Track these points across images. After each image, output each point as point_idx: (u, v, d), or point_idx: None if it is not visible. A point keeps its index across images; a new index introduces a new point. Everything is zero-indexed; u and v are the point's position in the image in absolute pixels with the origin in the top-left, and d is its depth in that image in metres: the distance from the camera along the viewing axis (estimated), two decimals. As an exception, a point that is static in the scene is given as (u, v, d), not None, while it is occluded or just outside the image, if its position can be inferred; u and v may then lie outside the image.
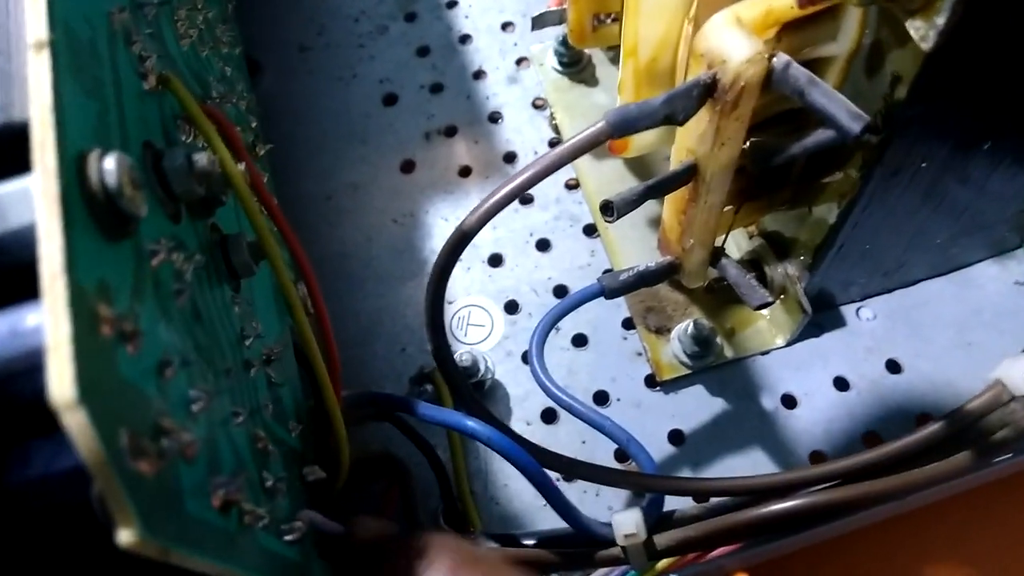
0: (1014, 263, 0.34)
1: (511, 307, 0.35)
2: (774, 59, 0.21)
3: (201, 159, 0.18)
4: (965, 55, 0.20)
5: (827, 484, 0.23)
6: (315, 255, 0.37)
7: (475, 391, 0.32)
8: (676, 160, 0.25)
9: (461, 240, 0.23)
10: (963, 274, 0.34)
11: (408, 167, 0.39)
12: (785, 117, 0.25)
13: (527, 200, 0.38)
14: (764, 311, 0.33)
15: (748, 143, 0.24)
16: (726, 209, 0.28)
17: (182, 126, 0.21)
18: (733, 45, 0.20)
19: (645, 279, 0.29)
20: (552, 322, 0.28)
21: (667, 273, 0.29)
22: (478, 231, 0.23)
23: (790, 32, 0.22)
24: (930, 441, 0.23)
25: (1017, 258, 0.34)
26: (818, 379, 0.33)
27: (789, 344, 0.33)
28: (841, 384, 0.33)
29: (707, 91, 0.21)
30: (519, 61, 0.41)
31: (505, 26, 0.42)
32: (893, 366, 0.33)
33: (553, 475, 0.28)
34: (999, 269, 0.34)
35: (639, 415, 0.33)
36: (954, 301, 0.34)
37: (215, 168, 0.18)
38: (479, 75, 0.41)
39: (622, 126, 0.21)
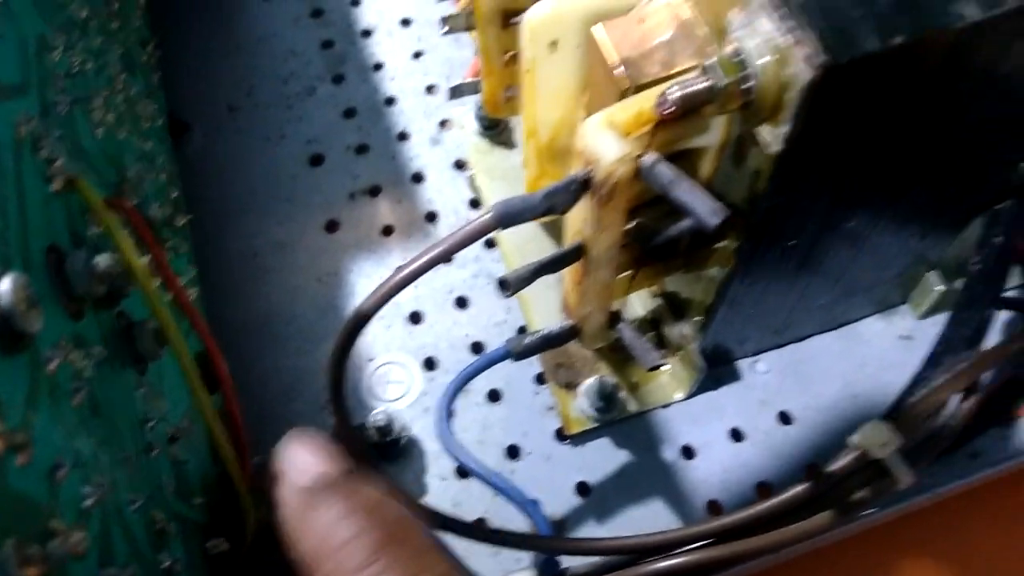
0: (898, 318, 0.37)
1: (429, 364, 0.37)
2: (643, 158, 0.23)
3: (102, 261, 0.19)
4: (811, 156, 0.22)
5: (704, 542, 0.25)
6: (239, 314, 0.38)
7: (390, 450, 0.33)
8: (567, 239, 0.27)
9: (358, 323, 0.24)
10: (851, 329, 0.37)
11: (333, 227, 0.40)
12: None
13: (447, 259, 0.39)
14: (666, 366, 0.35)
15: (631, 224, 0.26)
16: (622, 275, 0.30)
17: (91, 217, 0.22)
18: (605, 146, 0.22)
19: (549, 342, 0.31)
20: (459, 386, 0.30)
21: (569, 336, 0.31)
22: (375, 314, 0.24)
23: (663, 128, 0.24)
24: (795, 502, 0.25)
25: (901, 313, 0.37)
26: (715, 431, 0.35)
27: (688, 397, 0.35)
28: (736, 435, 0.35)
29: (584, 187, 0.23)
30: (442, 123, 0.43)
31: (429, 88, 0.44)
32: (785, 417, 0.35)
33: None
34: (884, 324, 0.37)
35: (549, 468, 0.34)
36: (842, 355, 0.36)
37: (118, 267, 0.20)
38: (403, 136, 0.43)
39: (507, 219, 0.23)
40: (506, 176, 0.41)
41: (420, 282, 0.39)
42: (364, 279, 0.39)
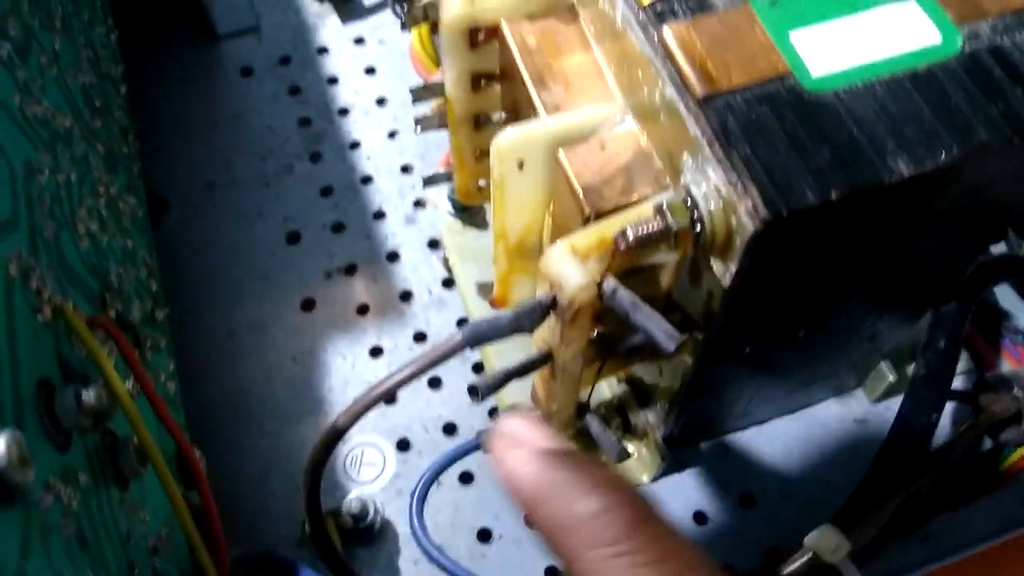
0: (854, 402, 0.39)
1: (403, 445, 0.38)
2: (604, 284, 0.24)
3: (90, 397, 0.20)
4: (759, 288, 0.24)
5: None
6: (215, 393, 0.39)
7: (364, 535, 0.34)
8: (535, 346, 0.28)
9: (333, 437, 0.25)
10: (809, 413, 0.38)
11: (308, 305, 0.41)
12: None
13: (420, 337, 0.41)
14: (632, 450, 0.37)
15: (595, 334, 0.28)
16: (589, 368, 0.31)
17: (76, 339, 0.23)
18: (569, 273, 0.24)
19: (517, 434, 0.32)
20: (430, 481, 0.31)
21: (537, 428, 0.32)
22: (350, 428, 0.25)
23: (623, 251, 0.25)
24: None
25: (856, 397, 0.39)
26: (679, 513, 0.36)
27: (654, 480, 0.37)
28: (700, 518, 0.36)
29: (549, 308, 0.24)
30: (417, 203, 0.44)
31: (405, 168, 0.45)
32: (747, 500, 0.37)
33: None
34: (840, 408, 0.38)
35: (519, 553, 0.35)
36: (801, 439, 0.38)
37: (104, 400, 0.20)
38: (379, 215, 0.44)
39: (475, 340, 0.24)
40: (478, 256, 0.42)
41: (393, 362, 0.40)
42: (339, 358, 0.40)
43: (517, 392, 0.38)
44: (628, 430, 0.37)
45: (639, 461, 0.37)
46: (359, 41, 0.50)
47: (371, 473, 0.37)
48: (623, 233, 0.22)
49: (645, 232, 0.22)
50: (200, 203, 0.44)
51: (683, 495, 0.37)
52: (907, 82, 0.22)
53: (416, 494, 0.30)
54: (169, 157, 0.45)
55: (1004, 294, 0.40)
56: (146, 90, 0.46)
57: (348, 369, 0.39)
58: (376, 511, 0.35)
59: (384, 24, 0.50)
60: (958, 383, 0.36)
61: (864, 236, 0.23)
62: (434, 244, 0.43)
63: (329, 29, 0.50)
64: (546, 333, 0.27)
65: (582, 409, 0.33)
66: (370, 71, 0.49)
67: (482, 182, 0.37)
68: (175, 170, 0.45)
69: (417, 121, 0.35)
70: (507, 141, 0.27)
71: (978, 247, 0.28)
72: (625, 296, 0.24)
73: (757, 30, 0.23)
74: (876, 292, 0.27)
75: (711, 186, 0.22)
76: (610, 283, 0.24)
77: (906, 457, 0.28)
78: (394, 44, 0.49)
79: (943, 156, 0.21)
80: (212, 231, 0.43)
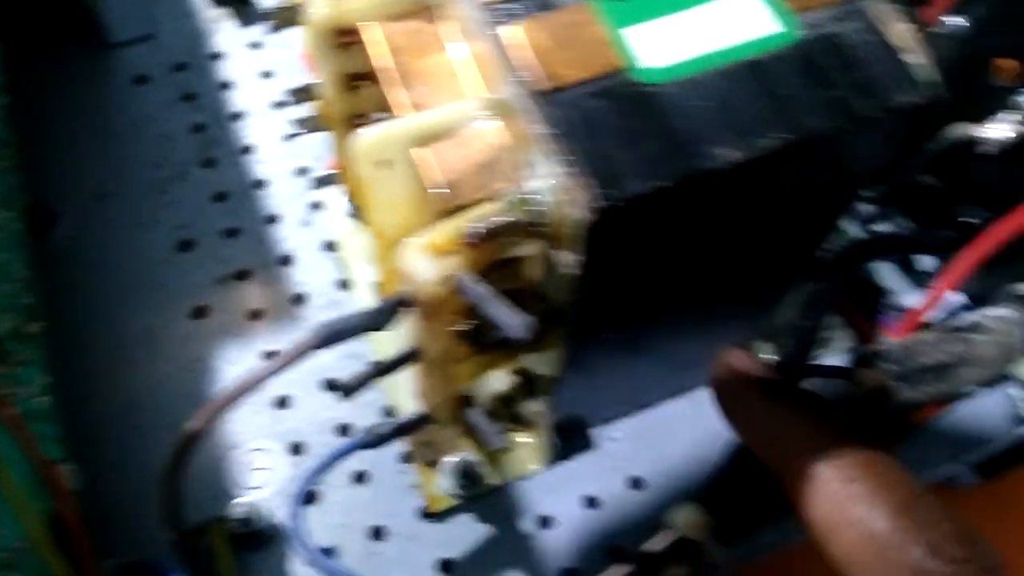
0: (738, 384, 0.40)
1: (296, 449, 0.38)
2: (458, 278, 0.24)
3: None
4: (606, 274, 0.25)
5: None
6: (103, 404, 0.38)
7: (253, 540, 0.34)
8: (404, 342, 0.29)
9: (187, 443, 0.25)
10: (698, 395, 0.39)
11: (200, 313, 0.41)
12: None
13: (315, 341, 0.41)
14: (523, 440, 0.37)
15: (466, 326, 0.28)
16: (466, 364, 0.32)
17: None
18: (422, 268, 0.24)
19: (402, 431, 0.32)
20: (306, 485, 0.31)
21: (422, 423, 0.33)
22: (203, 431, 0.25)
23: (483, 246, 0.26)
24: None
25: (740, 379, 0.40)
26: (570, 499, 0.37)
27: (546, 468, 0.37)
28: (591, 502, 0.37)
29: (403, 304, 0.25)
30: (314, 205, 0.44)
31: (301, 171, 0.45)
32: (636, 483, 0.38)
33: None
34: (725, 391, 0.40)
35: (414, 547, 0.36)
36: (689, 421, 0.39)
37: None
38: (274, 219, 0.44)
39: (328, 339, 0.24)
40: (373, 259, 0.42)
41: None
42: (230, 365, 0.40)
43: (412, 397, 0.39)
44: (518, 421, 0.37)
45: (530, 450, 0.37)
46: (256, 45, 0.49)
47: (263, 478, 0.37)
48: (472, 227, 0.23)
49: (493, 226, 0.23)
50: (91, 214, 0.43)
51: (574, 481, 0.37)
52: (743, 71, 0.23)
53: (296, 497, 0.31)
54: (60, 168, 0.44)
55: (886, 272, 0.42)
56: (36, 101, 0.45)
57: (238, 375, 0.39)
58: (265, 516, 0.35)
59: (279, 28, 0.50)
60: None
61: (705, 219, 0.24)
62: (331, 246, 0.43)
63: (225, 34, 0.50)
64: (411, 329, 0.27)
65: (465, 402, 0.33)
66: (267, 75, 0.48)
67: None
68: (65, 181, 0.44)
69: (298, 122, 0.35)
70: (368, 140, 0.27)
71: (823, 226, 0.29)
72: (477, 289, 0.24)
73: (596, 27, 0.24)
74: (729, 272, 0.28)
75: (552, 180, 0.22)
76: (464, 277, 0.24)
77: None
78: (292, 47, 0.49)
79: (771, 143, 0.22)
80: (103, 242, 0.43)
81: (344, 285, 0.42)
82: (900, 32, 0.24)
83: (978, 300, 0.40)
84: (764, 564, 0.37)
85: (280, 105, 0.47)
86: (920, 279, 0.42)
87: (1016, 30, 0.34)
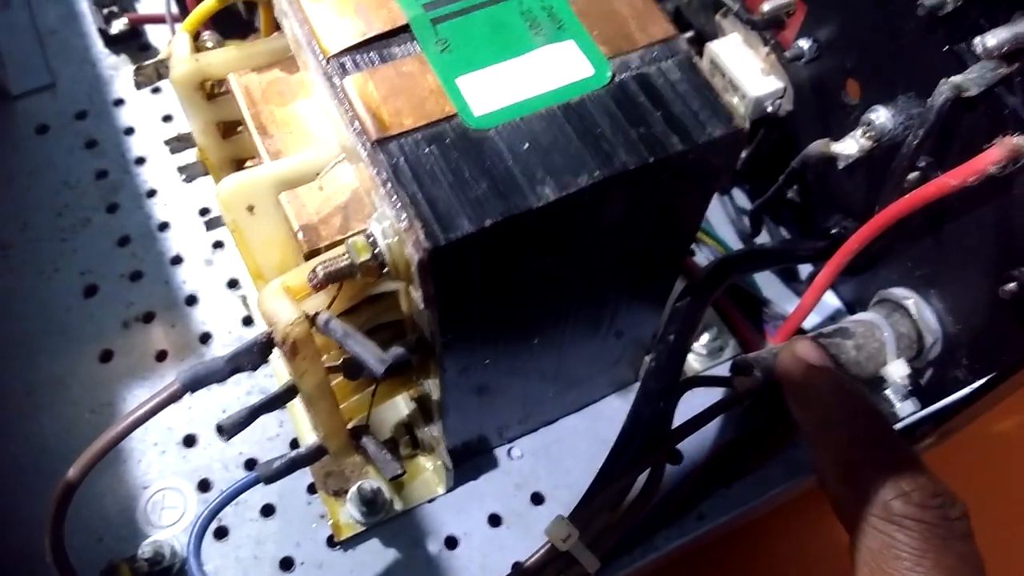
0: (632, 395, 0.41)
1: (204, 486, 0.38)
2: (317, 317, 0.26)
3: None
4: (456, 306, 0.26)
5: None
6: (13, 450, 0.39)
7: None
8: (282, 381, 0.30)
9: (66, 493, 0.26)
10: (594, 409, 0.41)
11: (107, 356, 0.42)
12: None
13: (221, 379, 0.41)
14: (428, 464, 0.38)
15: (341, 360, 0.30)
16: (363, 393, 0.33)
17: None
18: (280, 310, 0.25)
19: (297, 464, 0.33)
20: (207, 523, 0.31)
21: (317, 456, 0.34)
22: (82, 481, 0.26)
23: (346, 285, 0.27)
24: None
25: (635, 390, 0.41)
26: (475, 519, 0.38)
27: (449, 491, 0.39)
28: (495, 520, 0.38)
29: (268, 346, 0.26)
30: (216, 244, 0.45)
31: (203, 211, 0.46)
32: (537, 498, 0.39)
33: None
34: (620, 402, 0.41)
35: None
36: (586, 435, 0.40)
37: None
38: (177, 260, 0.45)
39: (194, 384, 0.25)
40: (278, 292, 0.43)
41: (194, 404, 0.41)
42: (138, 408, 0.40)
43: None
44: (419, 446, 0.38)
45: (434, 474, 0.39)
46: (156, 90, 0.50)
47: (172, 517, 0.38)
48: (313, 271, 0.24)
49: (333, 268, 0.24)
50: (-6, 264, 0.44)
51: (478, 501, 0.39)
52: (559, 113, 0.25)
53: (193, 535, 0.31)
54: (-39, 221, 0.45)
55: (767, 282, 0.44)
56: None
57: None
58: (174, 554, 0.36)
59: (180, 71, 0.51)
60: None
61: (539, 250, 0.25)
62: (234, 284, 0.44)
63: (124, 80, 0.50)
64: (284, 367, 0.28)
65: (358, 433, 0.34)
66: (167, 118, 0.49)
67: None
68: (-32, 233, 0.44)
69: (180, 170, 0.36)
70: (229, 189, 0.28)
71: (672, 247, 0.31)
72: (336, 327, 0.26)
73: (429, 76, 0.25)
74: (586, 295, 0.30)
75: (388, 222, 0.24)
76: (323, 316, 0.26)
77: (638, 446, 0.31)
78: (191, 90, 0.50)
79: (586, 180, 0.24)
80: (7, 291, 0.43)
81: (248, 322, 0.43)
82: (707, 67, 0.25)
83: (855, 305, 0.43)
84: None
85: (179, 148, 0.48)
86: (801, 288, 0.44)
87: (857, 52, 0.36)
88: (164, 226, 0.46)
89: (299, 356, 0.26)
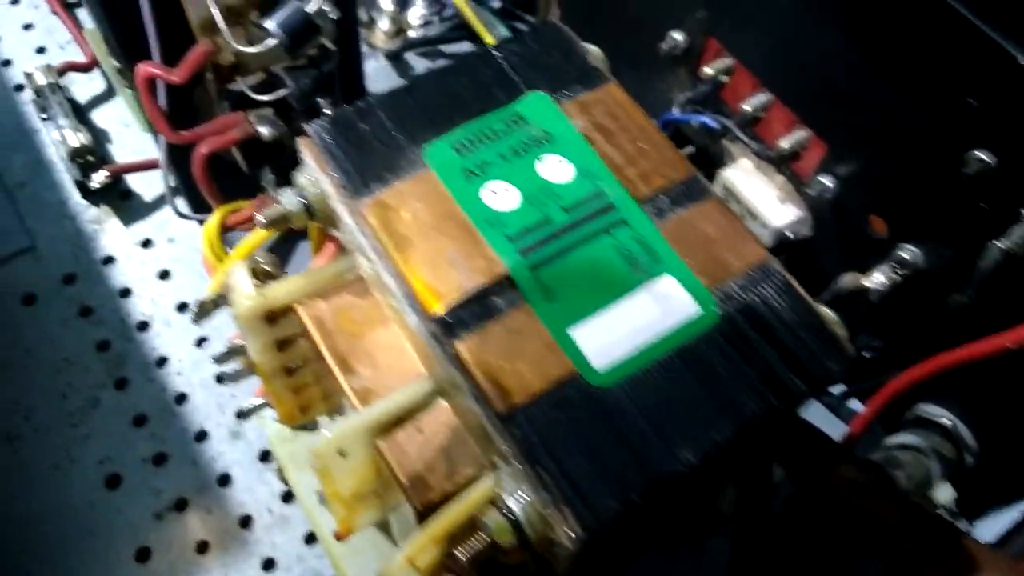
0: None
1: None
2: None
3: None
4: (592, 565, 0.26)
5: None
6: None
7: None
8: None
9: None
10: None
11: (144, 555, 0.39)
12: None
13: (269, 565, 0.40)
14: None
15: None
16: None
17: None
18: (408, 584, 0.24)
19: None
20: None
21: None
22: None
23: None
24: None
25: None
26: None
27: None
28: None
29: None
30: (240, 414, 0.43)
31: (220, 379, 0.44)
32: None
33: None
34: None
35: None
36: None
37: None
38: (201, 436, 0.43)
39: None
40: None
41: None
42: (188, 611, 0.38)
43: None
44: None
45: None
46: (147, 244, 0.48)
47: None
48: (453, 557, 0.23)
49: (474, 552, 0.23)
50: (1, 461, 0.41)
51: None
52: (678, 360, 0.25)
53: None
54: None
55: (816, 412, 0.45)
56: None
57: (197, 619, 0.38)
58: None
59: (170, 220, 0.48)
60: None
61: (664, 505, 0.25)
62: (266, 456, 0.42)
63: (111, 235, 0.48)
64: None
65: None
66: (164, 275, 0.47)
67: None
68: (-36, 428, 0.42)
69: (223, 378, 0.34)
70: (326, 445, 0.27)
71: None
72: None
73: (540, 332, 0.25)
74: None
75: (526, 502, 0.23)
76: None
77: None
78: (185, 240, 0.48)
79: (720, 436, 0.24)
80: (18, 489, 0.40)
81: (287, 498, 0.41)
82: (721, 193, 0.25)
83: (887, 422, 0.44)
84: None
85: (183, 308, 0.46)
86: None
87: (884, 192, 0.37)
88: (181, 398, 0.43)
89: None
